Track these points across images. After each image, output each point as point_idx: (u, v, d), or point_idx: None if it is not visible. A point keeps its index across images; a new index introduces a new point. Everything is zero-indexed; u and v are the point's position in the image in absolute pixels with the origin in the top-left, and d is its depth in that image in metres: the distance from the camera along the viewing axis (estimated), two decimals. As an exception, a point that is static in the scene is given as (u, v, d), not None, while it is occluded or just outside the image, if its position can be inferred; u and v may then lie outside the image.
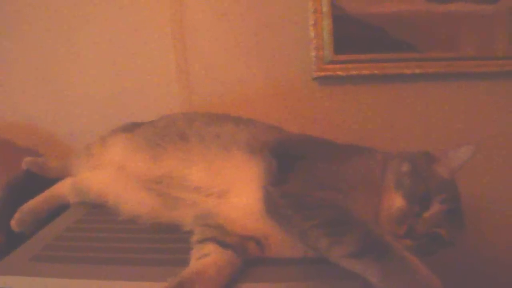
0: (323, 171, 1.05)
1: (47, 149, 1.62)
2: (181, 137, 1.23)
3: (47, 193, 1.35)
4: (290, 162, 1.07)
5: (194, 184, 1.14)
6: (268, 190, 1.02)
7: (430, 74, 1.53)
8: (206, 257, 0.98)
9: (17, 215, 1.28)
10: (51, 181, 1.40)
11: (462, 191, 1.05)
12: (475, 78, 1.53)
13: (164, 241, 1.12)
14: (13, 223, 1.27)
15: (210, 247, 1.01)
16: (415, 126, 1.57)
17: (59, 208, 1.33)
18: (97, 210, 1.27)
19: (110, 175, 1.25)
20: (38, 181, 1.40)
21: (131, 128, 1.35)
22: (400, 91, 1.56)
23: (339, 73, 1.53)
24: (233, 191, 1.10)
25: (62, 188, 1.36)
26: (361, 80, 1.54)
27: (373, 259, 0.85)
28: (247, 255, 1.03)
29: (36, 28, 1.60)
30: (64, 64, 1.62)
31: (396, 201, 1.01)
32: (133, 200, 1.21)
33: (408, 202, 1.00)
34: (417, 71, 1.53)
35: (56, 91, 1.64)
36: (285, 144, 1.18)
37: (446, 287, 0.86)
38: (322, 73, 1.54)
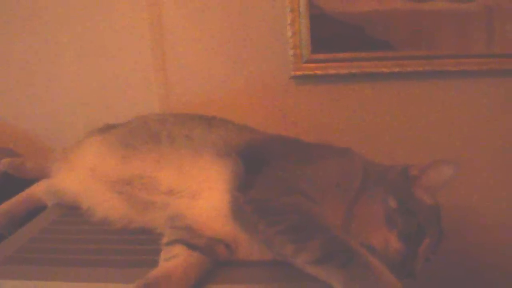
0: (291, 174, 1.05)
1: (25, 148, 1.63)
2: (152, 138, 1.23)
3: (23, 195, 1.36)
4: (258, 165, 1.07)
5: (164, 186, 1.14)
6: (235, 195, 1.03)
7: (408, 72, 1.52)
8: (173, 259, 0.99)
9: None
10: (28, 182, 1.41)
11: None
12: (453, 76, 1.52)
13: (138, 243, 1.12)
14: (-11, 225, 1.27)
15: (178, 249, 1.02)
16: (393, 124, 1.57)
17: (37, 210, 1.33)
18: (73, 211, 1.27)
19: (83, 178, 1.25)
20: (14, 182, 1.41)
21: (105, 129, 1.35)
22: (378, 90, 1.56)
23: (317, 72, 1.53)
24: (203, 194, 1.10)
25: (38, 190, 1.37)
26: (339, 79, 1.54)
27: (336, 266, 0.86)
28: (216, 257, 1.03)
29: (15, 29, 1.61)
30: (43, 64, 1.62)
31: (392, 243, 0.99)
32: (104, 203, 1.21)
33: (404, 244, 0.98)
34: (395, 69, 1.52)
35: (35, 91, 1.64)
36: (255, 147, 1.17)
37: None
38: (300, 72, 1.54)
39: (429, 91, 1.55)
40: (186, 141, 1.19)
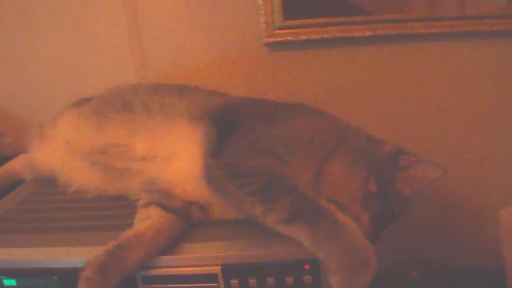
0: (262, 135, 1.08)
1: (4, 127, 1.65)
2: (125, 106, 1.25)
3: (1, 170, 1.40)
4: (230, 129, 1.10)
5: (138, 153, 1.18)
6: (206, 159, 1.06)
7: (381, 36, 1.51)
8: (146, 220, 1.03)
9: None
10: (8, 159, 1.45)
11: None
12: (426, 39, 1.52)
13: (114, 208, 1.17)
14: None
15: (152, 210, 1.07)
16: (367, 89, 1.58)
17: (16, 184, 1.38)
18: (50, 184, 1.32)
19: (59, 151, 1.28)
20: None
21: (80, 103, 1.37)
22: (351, 55, 1.55)
23: (289, 38, 1.53)
24: (176, 159, 1.14)
25: (16, 165, 1.41)
26: (312, 44, 1.54)
27: (304, 224, 0.90)
28: (190, 219, 1.08)
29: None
30: (18, 40, 1.63)
31: (363, 221, 1.02)
32: (80, 175, 1.25)
33: (373, 226, 1.02)
34: (367, 33, 1.51)
35: (12, 66, 1.65)
36: (227, 110, 1.19)
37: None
38: (272, 39, 1.54)
39: (402, 54, 1.54)
40: (159, 108, 1.21)
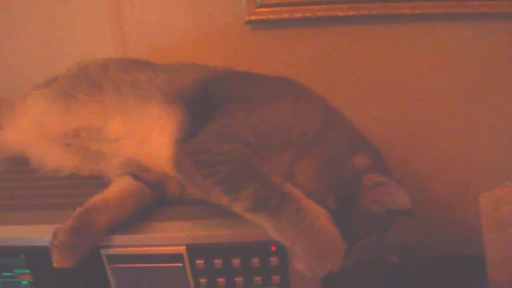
0: (236, 121, 1.04)
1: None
2: (93, 86, 1.21)
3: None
4: (207, 111, 1.08)
5: (112, 136, 1.16)
6: (176, 148, 1.05)
7: (364, 16, 1.47)
8: (115, 187, 1.04)
9: None
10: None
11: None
12: (410, 20, 1.48)
13: (86, 186, 1.16)
14: None
15: (123, 179, 1.08)
16: (349, 69, 1.55)
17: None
18: (23, 163, 1.30)
19: (29, 132, 1.26)
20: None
21: (49, 82, 1.32)
22: (334, 35, 1.52)
23: (271, 16, 1.49)
24: (150, 142, 1.12)
25: None
26: (294, 23, 1.50)
27: (268, 213, 0.88)
28: (165, 193, 1.09)
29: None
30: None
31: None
32: (53, 156, 1.23)
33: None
34: (350, 13, 1.47)
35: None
36: (205, 87, 1.16)
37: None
38: (254, 17, 1.49)
39: (385, 35, 1.51)
40: (130, 88, 1.18)
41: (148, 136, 1.12)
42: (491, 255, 1.35)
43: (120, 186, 1.04)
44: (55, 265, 0.91)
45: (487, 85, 1.54)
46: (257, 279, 0.94)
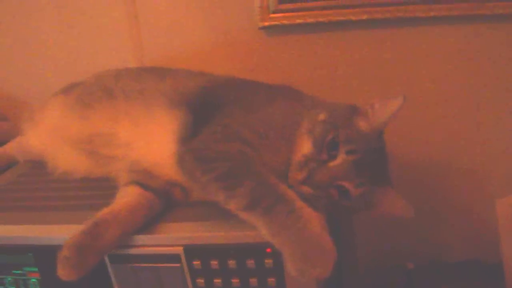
0: (235, 121, 1.07)
1: (3, 109, 1.70)
2: (107, 94, 1.25)
3: (-3, 153, 1.44)
4: (208, 112, 1.11)
5: (123, 141, 1.19)
6: (177, 145, 1.07)
7: (378, 20, 1.47)
8: (124, 198, 1.05)
9: None
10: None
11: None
12: (424, 23, 1.46)
13: (98, 189, 1.20)
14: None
15: (131, 189, 1.09)
16: (363, 73, 1.54)
17: (10, 166, 1.42)
18: (41, 166, 1.34)
19: (47, 137, 1.31)
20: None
21: (68, 88, 1.38)
22: (348, 39, 1.52)
23: (284, 22, 1.51)
24: (155, 145, 1.15)
25: (10, 147, 1.45)
26: (307, 28, 1.51)
27: (261, 213, 0.89)
28: (171, 199, 1.10)
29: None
30: (20, 23, 1.66)
31: (304, 147, 1.00)
32: (67, 160, 1.28)
33: (314, 149, 0.99)
34: (364, 17, 1.47)
35: (12, 50, 1.70)
36: (206, 92, 1.19)
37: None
38: (267, 23, 1.51)
39: (399, 38, 1.50)
40: (138, 95, 1.22)
41: (154, 139, 1.15)
42: (509, 262, 1.32)
43: (129, 197, 1.05)
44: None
45: (508, 87, 1.50)
46: (253, 280, 0.95)
